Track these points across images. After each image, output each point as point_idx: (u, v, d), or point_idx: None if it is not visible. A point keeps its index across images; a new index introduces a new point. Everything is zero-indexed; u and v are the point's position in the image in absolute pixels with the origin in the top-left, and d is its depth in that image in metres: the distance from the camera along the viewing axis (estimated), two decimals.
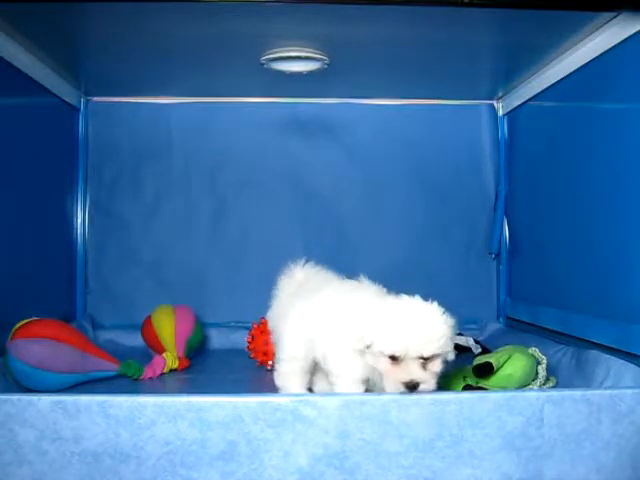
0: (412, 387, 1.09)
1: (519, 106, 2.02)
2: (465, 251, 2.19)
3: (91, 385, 1.48)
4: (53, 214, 1.97)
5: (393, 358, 1.12)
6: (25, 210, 1.70)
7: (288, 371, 1.35)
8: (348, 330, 1.18)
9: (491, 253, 2.17)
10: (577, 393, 1.09)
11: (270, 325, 1.49)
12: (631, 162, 1.36)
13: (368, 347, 1.15)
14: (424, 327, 1.12)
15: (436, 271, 2.17)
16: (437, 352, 1.12)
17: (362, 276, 1.34)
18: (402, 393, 1.09)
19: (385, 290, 1.28)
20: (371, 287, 1.30)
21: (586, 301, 1.55)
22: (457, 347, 1.87)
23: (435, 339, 1.11)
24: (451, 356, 1.16)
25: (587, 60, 1.53)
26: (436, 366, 1.13)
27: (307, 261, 1.51)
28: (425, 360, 1.12)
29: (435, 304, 1.16)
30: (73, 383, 1.45)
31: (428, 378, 1.11)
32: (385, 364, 1.13)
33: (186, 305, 1.88)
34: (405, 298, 1.18)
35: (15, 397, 1.04)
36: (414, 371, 1.10)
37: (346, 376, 1.21)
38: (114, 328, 2.07)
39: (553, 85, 1.74)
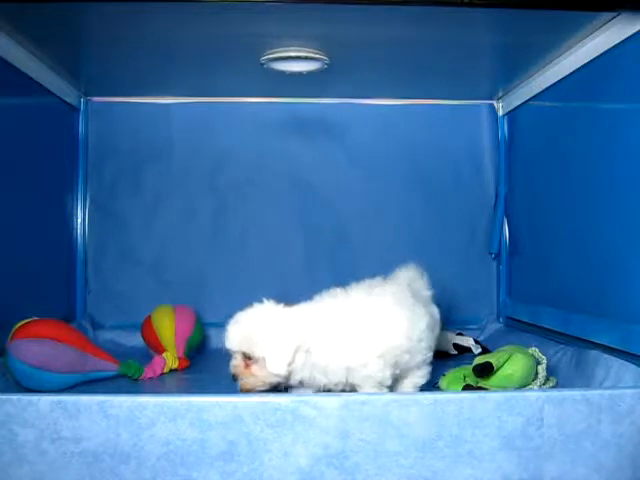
0: (234, 378, 1.23)
1: (519, 106, 2.02)
2: (465, 251, 2.19)
3: (91, 385, 1.48)
4: (53, 214, 1.96)
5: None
6: (25, 210, 1.70)
7: None
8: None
9: (491, 253, 2.17)
10: (577, 393, 1.08)
11: None
12: (631, 162, 1.36)
13: None
14: (234, 323, 1.25)
15: (436, 271, 2.16)
16: (241, 348, 1.22)
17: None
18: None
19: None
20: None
21: (586, 301, 1.55)
22: (457, 347, 1.91)
23: (238, 336, 1.22)
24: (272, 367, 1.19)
25: (587, 60, 1.53)
26: (255, 368, 1.21)
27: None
28: (248, 359, 1.22)
29: (264, 307, 1.26)
30: (73, 383, 1.45)
31: (247, 375, 1.22)
32: None
33: (186, 305, 1.88)
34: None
35: (15, 397, 1.03)
36: (234, 363, 1.24)
37: None
38: (114, 328, 2.07)
39: (553, 85, 1.74)
